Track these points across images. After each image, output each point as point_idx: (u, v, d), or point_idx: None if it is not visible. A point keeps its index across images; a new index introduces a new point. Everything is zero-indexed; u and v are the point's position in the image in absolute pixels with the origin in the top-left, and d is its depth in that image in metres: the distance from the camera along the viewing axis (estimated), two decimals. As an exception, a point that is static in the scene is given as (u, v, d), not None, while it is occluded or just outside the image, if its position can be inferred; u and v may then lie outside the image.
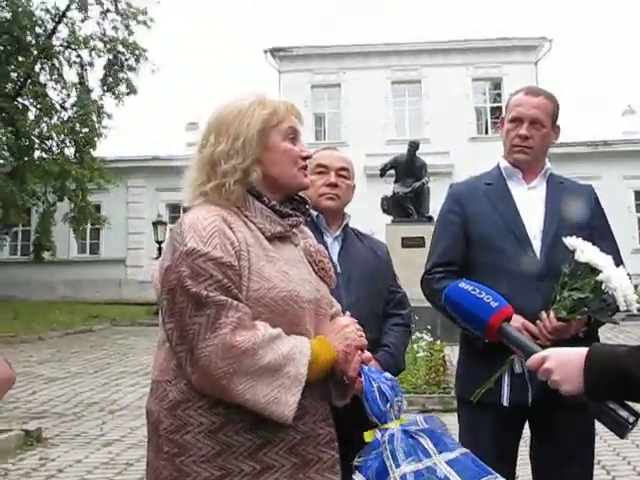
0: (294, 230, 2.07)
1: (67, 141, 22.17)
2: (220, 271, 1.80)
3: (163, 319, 1.88)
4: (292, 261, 1.99)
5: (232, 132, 1.96)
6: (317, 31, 45.32)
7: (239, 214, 1.95)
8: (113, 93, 22.47)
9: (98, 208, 25.25)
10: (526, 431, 2.80)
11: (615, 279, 2.49)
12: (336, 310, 2.18)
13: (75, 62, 22.57)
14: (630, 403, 1.63)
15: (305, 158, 2.06)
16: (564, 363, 1.67)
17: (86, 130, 22.15)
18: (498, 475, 1.88)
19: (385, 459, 1.89)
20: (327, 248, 2.75)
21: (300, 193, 2.12)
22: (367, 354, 2.03)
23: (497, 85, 27.86)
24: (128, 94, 22.53)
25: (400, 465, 1.85)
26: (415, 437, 1.91)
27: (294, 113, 2.08)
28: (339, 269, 2.73)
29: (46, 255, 23.24)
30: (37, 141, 22.01)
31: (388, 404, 1.96)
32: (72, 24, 22.31)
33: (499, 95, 27.40)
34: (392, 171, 16.41)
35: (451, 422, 3.24)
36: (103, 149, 23.75)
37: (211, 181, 1.96)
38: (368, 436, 1.98)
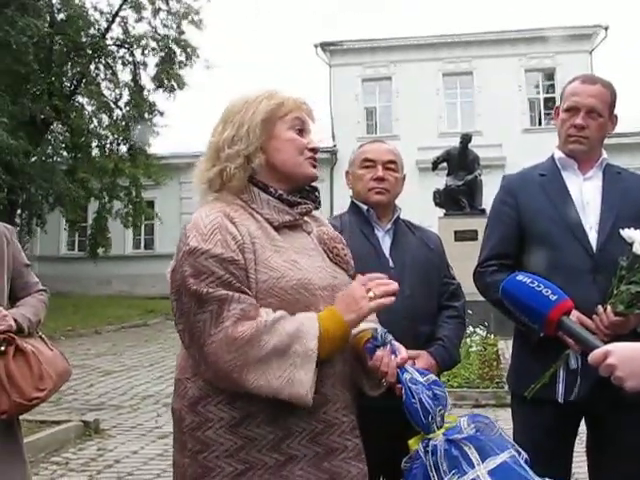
0: (306, 218, 2.07)
1: (120, 139, 22.52)
2: (222, 267, 1.81)
3: (175, 320, 1.90)
4: (304, 249, 1.98)
5: (237, 120, 1.99)
6: (319, 28, 45.09)
7: (245, 207, 1.96)
8: (165, 88, 22.68)
9: (152, 204, 25.62)
10: (582, 427, 2.75)
11: (675, 272, 2.42)
12: None
13: (128, 61, 22.93)
14: None
15: (312, 150, 2.04)
16: (629, 359, 1.62)
17: (139, 127, 22.49)
18: None
19: (429, 470, 1.88)
20: (379, 242, 2.75)
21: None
22: (403, 356, 1.96)
23: (550, 76, 27.27)
24: (180, 88, 22.69)
25: (443, 479, 1.84)
26: (459, 446, 1.88)
27: (304, 108, 2.07)
28: (391, 263, 2.72)
29: (100, 251, 23.64)
30: (92, 139, 22.41)
31: (430, 416, 1.93)
32: (125, 23, 22.66)
33: (552, 86, 26.81)
34: (444, 164, 16.27)
35: (505, 417, 3.20)
36: (156, 146, 24.14)
37: (215, 167, 1.98)
38: (413, 444, 1.96)
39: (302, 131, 2.04)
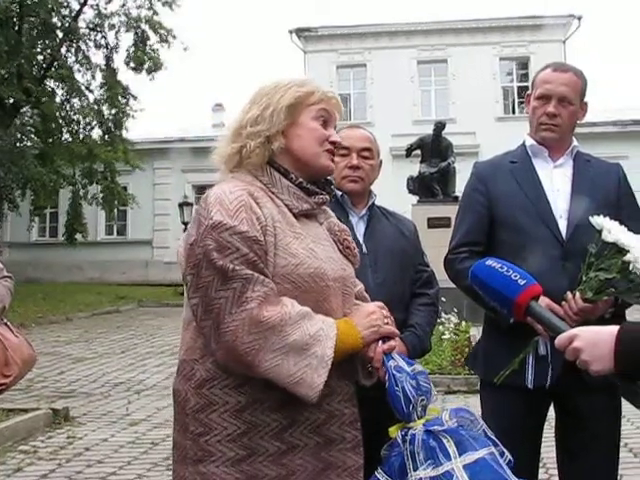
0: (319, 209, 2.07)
1: (94, 123, 22.22)
2: (246, 245, 1.79)
3: (188, 295, 1.87)
4: (318, 239, 1.98)
5: (264, 101, 1.99)
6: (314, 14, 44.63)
7: (266, 190, 1.95)
8: (138, 69, 22.33)
9: (125, 190, 25.43)
10: (551, 412, 2.77)
11: (643, 259, 2.44)
12: (360, 289, 2.17)
13: (101, 44, 22.56)
14: None
15: (333, 143, 2.04)
16: (594, 342, 1.62)
17: (114, 111, 22.21)
18: None
19: (405, 459, 1.88)
20: (353, 228, 2.74)
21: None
22: (390, 343, 1.99)
23: (524, 65, 27.44)
24: (155, 70, 22.38)
25: (418, 468, 1.83)
26: (438, 438, 1.87)
27: (333, 103, 2.07)
28: (365, 249, 2.71)
29: (78, 237, 23.37)
30: (64, 123, 22.09)
31: (411, 405, 1.93)
32: (97, 5, 22.28)
33: (526, 75, 26.94)
34: (418, 151, 16.31)
35: (475, 404, 3.22)
36: (128, 131, 23.88)
37: (235, 144, 1.98)
38: (392, 432, 1.96)
39: (326, 123, 2.04)
